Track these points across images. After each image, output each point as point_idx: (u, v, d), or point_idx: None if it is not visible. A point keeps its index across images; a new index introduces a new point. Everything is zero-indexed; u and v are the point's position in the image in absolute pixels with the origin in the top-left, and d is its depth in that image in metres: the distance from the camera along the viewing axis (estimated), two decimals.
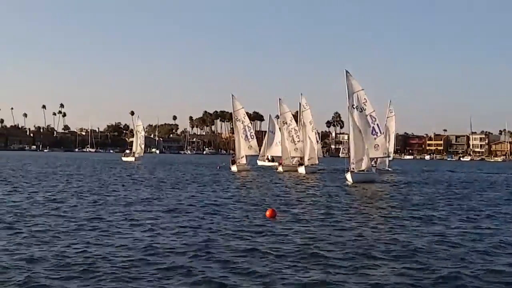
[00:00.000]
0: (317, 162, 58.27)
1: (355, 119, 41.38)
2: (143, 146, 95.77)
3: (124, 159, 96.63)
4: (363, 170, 40.95)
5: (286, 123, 62.17)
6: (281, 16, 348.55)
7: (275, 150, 68.72)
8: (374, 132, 42.38)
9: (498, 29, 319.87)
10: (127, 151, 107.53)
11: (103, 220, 18.87)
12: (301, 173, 53.90)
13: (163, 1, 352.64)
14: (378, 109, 44.99)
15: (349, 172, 41.04)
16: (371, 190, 34.57)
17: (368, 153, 41.15)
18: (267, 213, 20.73)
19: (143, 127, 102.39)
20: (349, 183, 39.83)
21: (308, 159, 56.14)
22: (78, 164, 78.60)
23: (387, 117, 63.70)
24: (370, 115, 42.26)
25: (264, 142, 76.95)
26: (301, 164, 57.00)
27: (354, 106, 41.78)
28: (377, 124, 42.94)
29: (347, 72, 42.75)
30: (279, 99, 65.25)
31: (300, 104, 59.30)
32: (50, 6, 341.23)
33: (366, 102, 42.13)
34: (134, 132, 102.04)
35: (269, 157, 73.84)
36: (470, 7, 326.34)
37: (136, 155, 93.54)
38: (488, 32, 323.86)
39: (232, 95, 63.00)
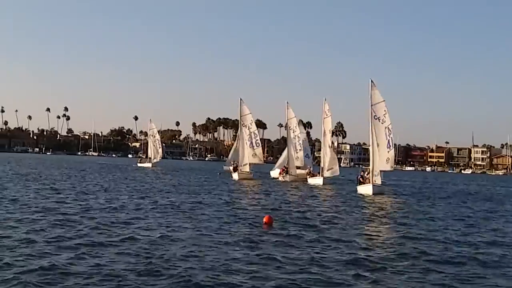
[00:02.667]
0: (338, 173, 54.64)
1: (375, 130, 40.84)
2: (160, 151, 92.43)
3: (140, 165, 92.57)
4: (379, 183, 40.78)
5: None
6: (287, 23, 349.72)
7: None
8: (388, 145, 41.31)
9: (501, 44, 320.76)
10: (143, 157, 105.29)
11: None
12: (318, 184, 51.32)
13: (166, 6, 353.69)
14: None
15: (370, 184, 40.59)
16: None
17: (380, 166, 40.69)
18: (264, 219, 21.06)
19: (158, 130, 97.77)
20: (368, 195, 39.07)
21: (328, 170, 52.99)
22: (106, 171, 71.38)
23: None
24: (388, 128, 41.15)
25: (232, 148, 79.59)
26: (313, 175, 55.34)
27: (376, 117, 40.97)
28: (391, 138, 41.71)
29: (372, 81, 41.68)
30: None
31: (323, 110, 55.03)
32: (55, 9, 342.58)
33: (386, 114, 41.16)
34: (148, 136, 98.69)
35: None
36: (474, 22, 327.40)
37: (154, 161, 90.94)
38: (491, 46, 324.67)
39: (241, 99, 60.46)
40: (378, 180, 40.81)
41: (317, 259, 14.08)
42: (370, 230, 20.40)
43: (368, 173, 43.13)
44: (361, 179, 43.93)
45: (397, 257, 14.83)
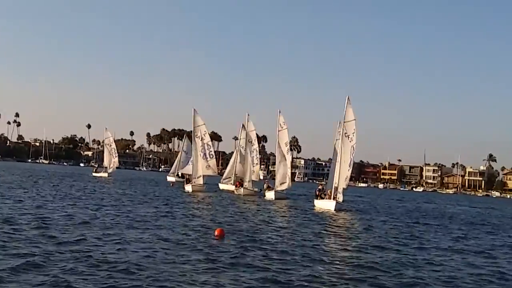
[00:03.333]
0: (289, 186, 54.21)
1: (342, 148, 40.72)
2: (116, 160, 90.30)
3: (95, 174, 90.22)
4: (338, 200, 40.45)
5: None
6: (249, 32, 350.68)
7: (188, 168, 66.90)
8: (350, 164, 41.14)
9: (451, 64, 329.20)
10: (96, 166, 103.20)
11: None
12: (271, 198, 50.66)
13: (120, 13, 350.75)
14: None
15: (333, 201, 40.00)
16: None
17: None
18: (216, 231, 20.72)
19: (113, 139, 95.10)
20: (329, 211, 38.72)
21: (281, 184, 52.65)
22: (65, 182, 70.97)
23: (336, 140, 61.01)
24: (353, 147, 40.91)
25: (176, 160, 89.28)
26: (271, 189, 53.88)
27: (346, 135, 40.77)
28: (353, 157, 41.43)
29: (348, 98, 41.42)
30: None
31: (277, 122, 54.46)
32: (6, 12, 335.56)
33: (354, 132, 40.96)
34: (104, 145, 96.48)
35: (179, 174, 77.73)
36: (432, 43, 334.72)
37: (110, 170, 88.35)
38: (442, 65, 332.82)
39: (194, 110, 58.71)
40: (341, 198, 40.46)
41: (271, 273, 13.78)
42: (328, 245, 20.13)
43: (323, 188, 42.94)
44: (318, 193, 43.71)
45: (354, 271, 14.71)
